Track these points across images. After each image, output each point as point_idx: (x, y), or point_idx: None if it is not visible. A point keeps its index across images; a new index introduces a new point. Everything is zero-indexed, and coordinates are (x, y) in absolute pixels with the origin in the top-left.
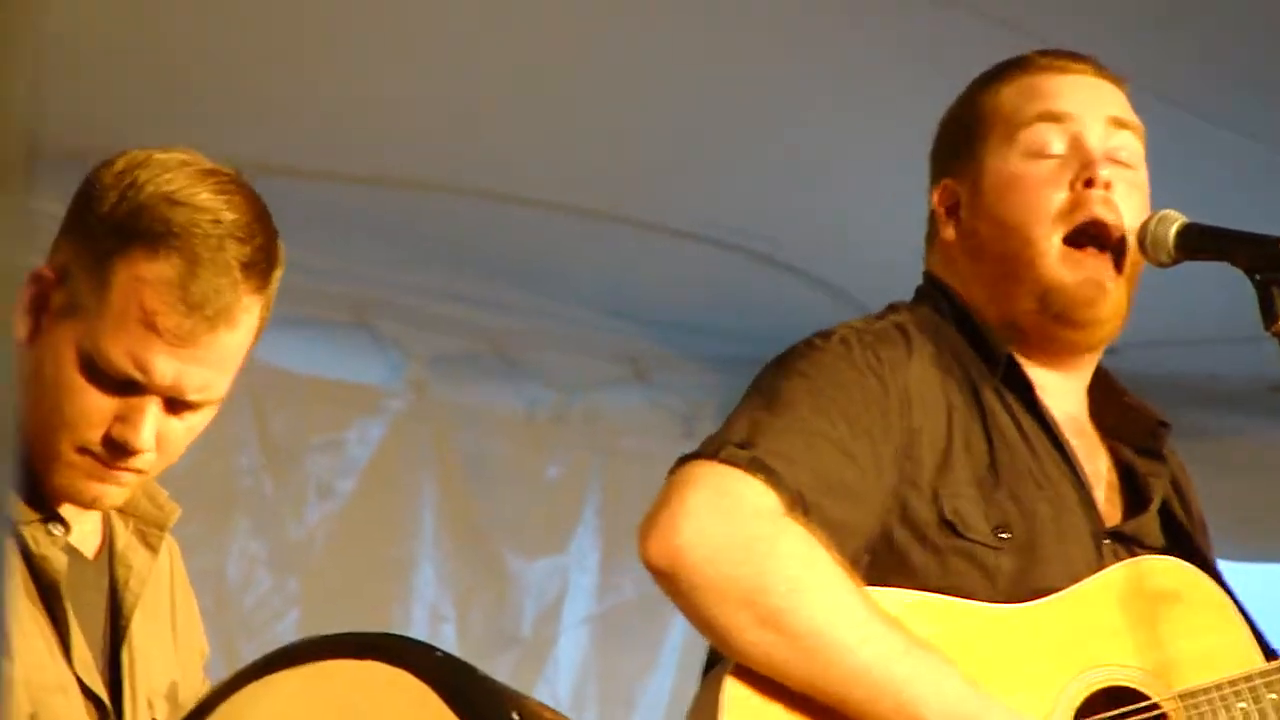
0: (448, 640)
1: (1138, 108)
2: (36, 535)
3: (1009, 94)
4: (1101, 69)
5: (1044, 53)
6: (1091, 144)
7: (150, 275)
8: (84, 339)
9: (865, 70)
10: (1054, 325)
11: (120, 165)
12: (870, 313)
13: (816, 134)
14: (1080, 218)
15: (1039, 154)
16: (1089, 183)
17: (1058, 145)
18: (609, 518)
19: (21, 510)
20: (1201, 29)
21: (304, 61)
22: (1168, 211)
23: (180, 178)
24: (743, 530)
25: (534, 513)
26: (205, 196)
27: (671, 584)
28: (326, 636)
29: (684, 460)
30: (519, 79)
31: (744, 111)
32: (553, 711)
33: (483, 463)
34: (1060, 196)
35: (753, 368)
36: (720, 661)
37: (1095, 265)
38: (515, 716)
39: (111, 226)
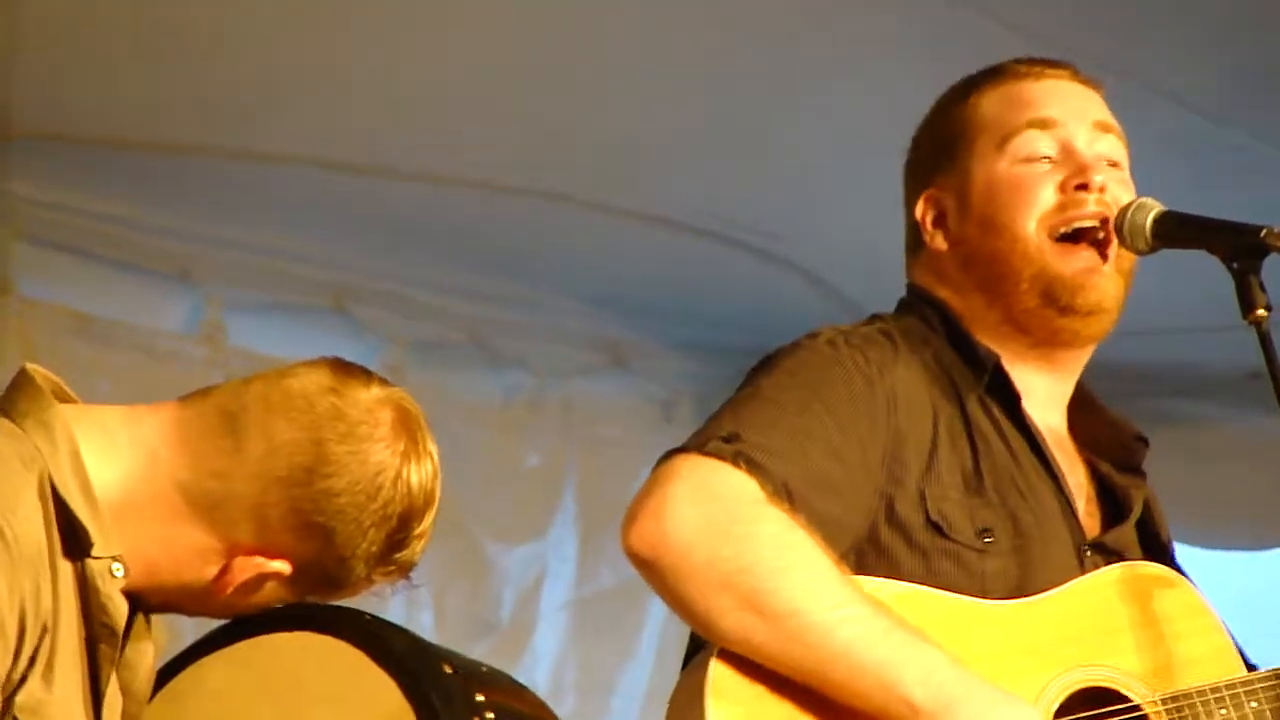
0: (425, 627)
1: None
2: (102, 571)
3: (990, 103)
4: (1079, 74)
5: (1020, 61)
6: (1080, 148)
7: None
8: None
9: (848, 60)
10: (1059, 317)
11: (367, 517)
12: (848, 300)
13: (797, 123)
14: (1071, 217)
15: (1029, 159)
16: (1082, 186)
17: (1048, 150)
18: (587, 505)
19: (96, 542)
20: (1202, 26)
21: (287, 49)
22: (1146, 199)
23: (405, 481)
24: (723, 515)
25: (512, 500)
26: (417, 464)
27: (653, 571)
28: (259, 613)
29: (669, 454)
30: (501, 68)
31: (726, 101)
32: (488, 666)
33: (461, 450)
34: (1050, 195)
35: (731, 355)
36: (704, 647)
37: (1088, 256)
38: (447, 669)
39: (394, 562)
